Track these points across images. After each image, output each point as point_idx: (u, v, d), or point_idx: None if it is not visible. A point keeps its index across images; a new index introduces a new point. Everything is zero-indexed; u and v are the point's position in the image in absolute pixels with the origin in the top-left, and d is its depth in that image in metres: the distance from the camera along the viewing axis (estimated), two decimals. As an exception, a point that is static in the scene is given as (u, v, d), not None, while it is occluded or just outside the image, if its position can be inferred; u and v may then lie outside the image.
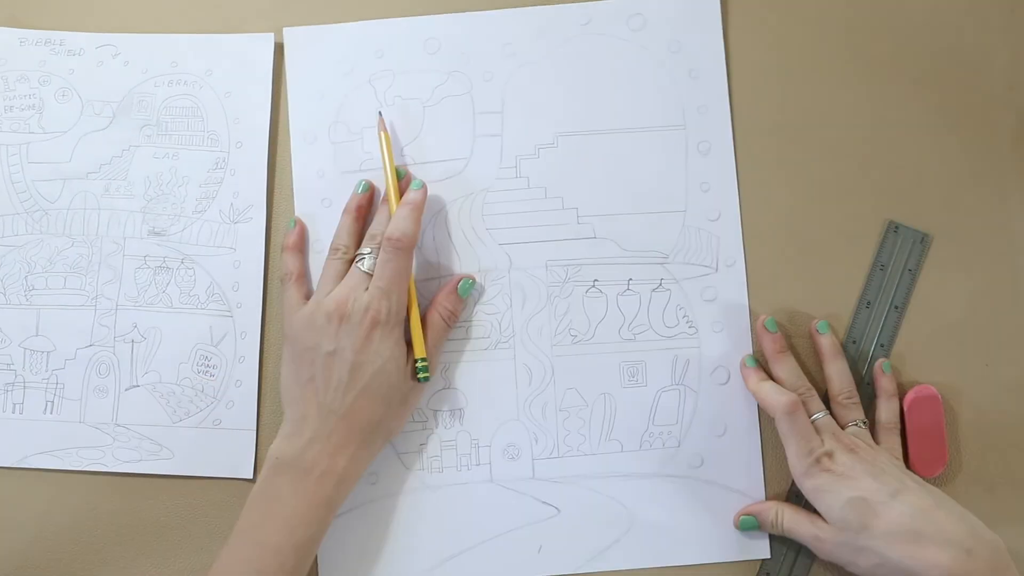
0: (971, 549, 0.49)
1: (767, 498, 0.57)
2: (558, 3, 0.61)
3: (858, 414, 0.56)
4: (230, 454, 0.59)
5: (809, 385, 0.56)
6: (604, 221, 0.60)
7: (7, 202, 0.61)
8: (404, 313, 0.55)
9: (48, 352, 0.60)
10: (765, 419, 0.58)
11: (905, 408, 0.57)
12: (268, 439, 0.59)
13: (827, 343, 0.57)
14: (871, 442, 0.55)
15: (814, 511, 0.54)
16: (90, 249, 0.60)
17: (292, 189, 0.61)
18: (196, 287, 0.60)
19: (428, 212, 0.59)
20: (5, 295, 0.60)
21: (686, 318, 0.59)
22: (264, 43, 0.61)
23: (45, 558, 0.59)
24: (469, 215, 0.60)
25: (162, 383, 0.59)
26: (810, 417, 0.55)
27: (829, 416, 0.55)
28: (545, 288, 0.59)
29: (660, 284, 0.59)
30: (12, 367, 0.60)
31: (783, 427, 0.54)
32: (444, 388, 0.59)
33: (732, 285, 0.59)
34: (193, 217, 0.60)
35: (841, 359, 0.57)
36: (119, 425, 0.59)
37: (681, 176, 0.60)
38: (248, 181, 0.60)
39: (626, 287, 0.59)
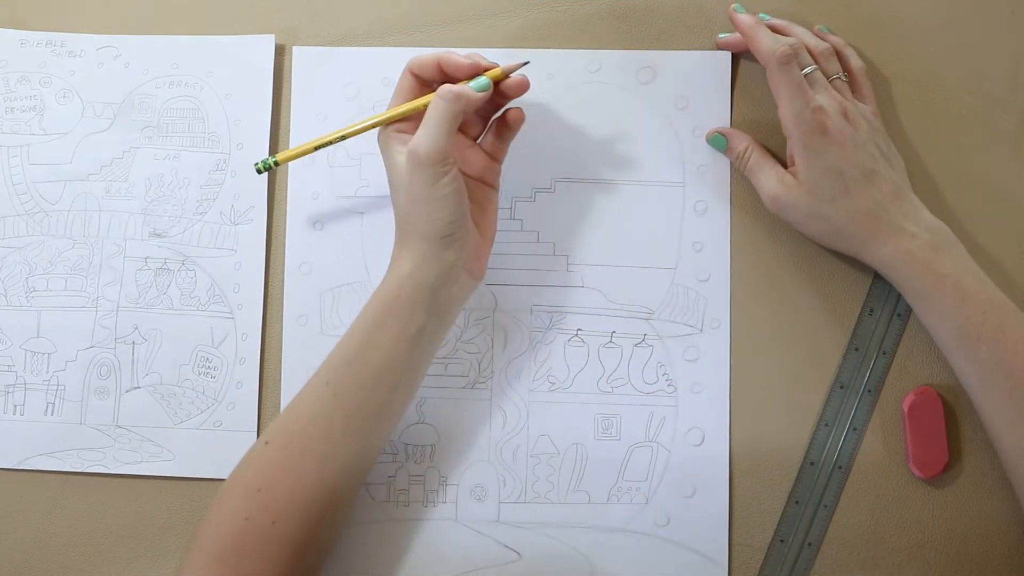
0: (915, 234, 0.54)
1: (731, 565, 0.57)
2: (570, 48, 0.61)
3: (837, 67, 0.57)
4: (231, 456, 0.58)
5: (799, 39, 0.56)
6: (593, 271, 0.59)
7: (8, 204, 0.61)
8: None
9: (49, 354, 0.60)
10: (735, 484, 0.58)
11: (905, 409, 0.57)
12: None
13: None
14: (853, 99, 0.56)
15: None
16: (91, 251, 0.60)
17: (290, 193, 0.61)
18: (197, 289, 0.60)
19: None
20: (6, 297, 0.60)
21: (666, 376, 0.59)
22: (265, 45, 0.61)
23: (46, 560, 0.59)
24: None
25: (163, 384, 0.59)
26: (800, 71, 0.55)
27: (819, 71, 0.56)
28: (528, 332, 0.59)
29: (643, 339, 0.59)
30: (13, 368, 0.60)
31: (776, 77, 0.54)
32: (417, 423, 0.59)
33: (715, 347, 0.59)
34: (194, 219, 0.60)
35: (798, 27, 0.58)
36: (120, 427, 0.59)
37: (675, 234, 0.59)
38: (249, 183, 0.60)
39: (609, 339, 0.59)
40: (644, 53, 0.61)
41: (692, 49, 0.61)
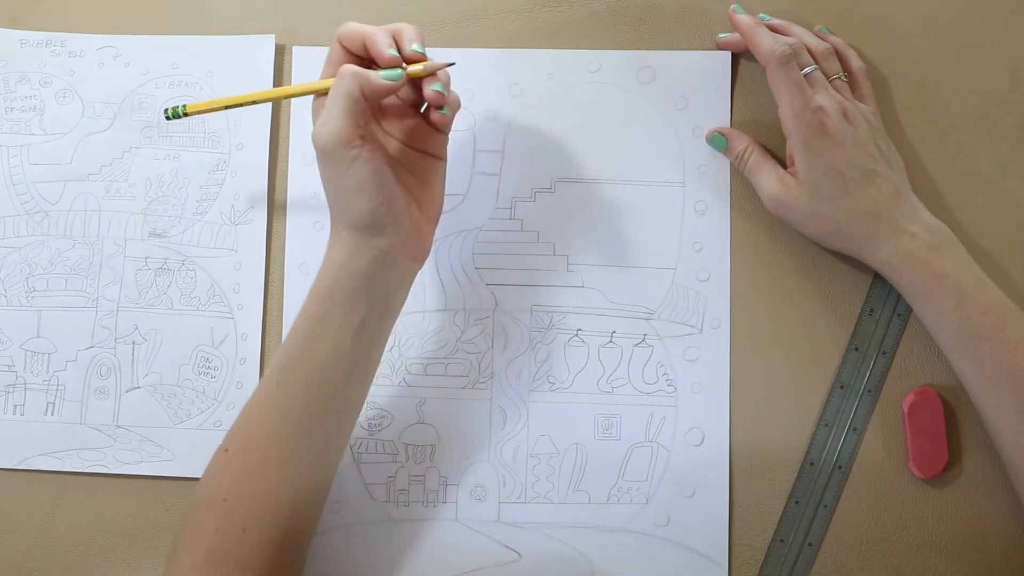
0: (915, 234, 0.54)
1: (731, 565, 0.57)
2: (570, 48, 0.61)
3: (837, 67, 0.57)
4: (231, 455, 0.59)
5: (799, 39, 0.56)
6: (593, 271, 0.59)
7: (8, 203, 0.61)
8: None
9: (49, 354, 0.60)
10: (735, 484, 0.58)
11: (906, 409, 0.57)
12: (269, 441, 0.59)
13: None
14: (853, 100, 0.57)
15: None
16: (91, 251, 0.60)
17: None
18: (197, 289, 0.60)
19: None
20: (6, 297, 0.60)
21: (666, 376, 0.59)
22: (265, 44, 0.61)
23: (46, 560, 0.59)
24: (460, 252, 0.59)
25: (163, 385, 0.59)
26: (800, 71, 0.55)
27: (819, 71, 0.56)
28: (528, 332, 0.59)
29: (643, 339, 0.59)
30: (13, 369, 0.60)
31: (776, 77, 0.54)
32: (417, 423, 0.59)
33: (715, 347, 0.59)
34: (194, 219, 0.60)
35: (798, 27, 0.58)
36: (120, 427, 0.59)
37: (675, 234, 0.59)
38: (249, 183, 0.60)
39: (609, 339, 0.59)
40: (644, 53, 0.61)
41: (692, 49, 0.61)
